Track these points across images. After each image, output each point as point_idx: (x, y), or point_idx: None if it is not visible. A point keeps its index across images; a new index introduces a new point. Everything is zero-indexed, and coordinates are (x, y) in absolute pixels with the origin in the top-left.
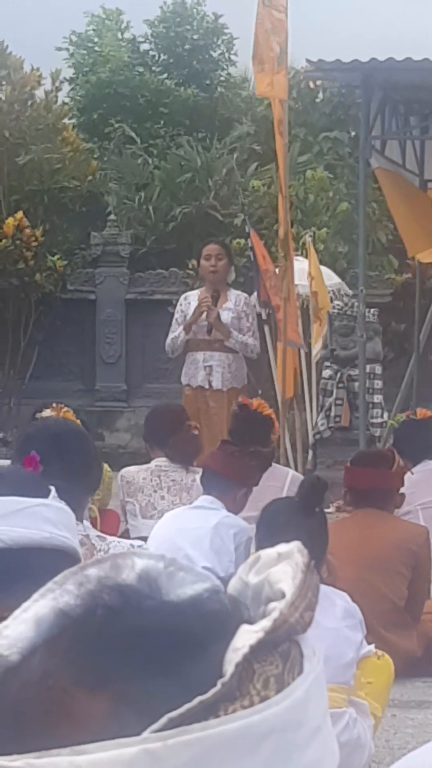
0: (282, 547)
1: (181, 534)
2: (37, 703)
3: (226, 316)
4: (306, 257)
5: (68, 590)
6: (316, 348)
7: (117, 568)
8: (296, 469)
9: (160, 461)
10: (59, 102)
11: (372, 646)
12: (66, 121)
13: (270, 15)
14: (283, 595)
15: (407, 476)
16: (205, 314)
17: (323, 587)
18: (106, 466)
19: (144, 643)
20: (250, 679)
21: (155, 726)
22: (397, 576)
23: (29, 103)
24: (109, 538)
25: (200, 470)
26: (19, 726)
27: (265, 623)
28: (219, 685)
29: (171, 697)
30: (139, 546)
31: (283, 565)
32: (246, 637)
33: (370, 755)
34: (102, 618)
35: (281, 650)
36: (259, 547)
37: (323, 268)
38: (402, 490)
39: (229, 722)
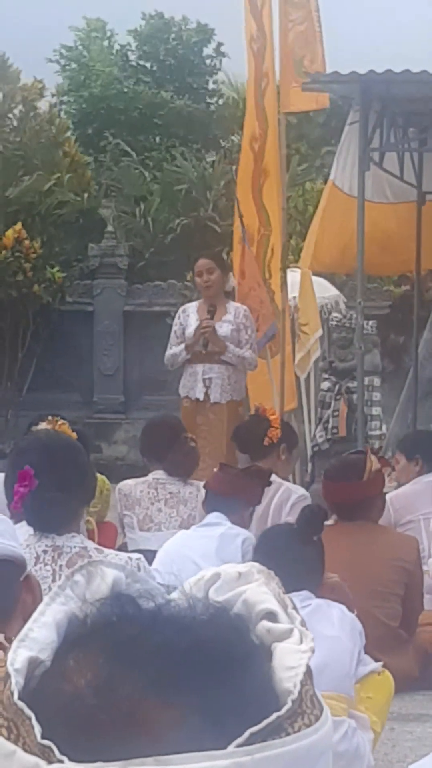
0: (241, 567)
1: (188, 545)
2: (107, 712)
3: (225, 329)
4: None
5: (85, 600)
6: (301, 368)
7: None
8: (294, 482)
9: (157, 474)
10: (62, 115)
11: (380, 663)
12: (68, 134)
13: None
14: (274, 615)
15: (410, 485)
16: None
17: (318, 600)
18: (104, 478)
19: (203, 656)
20: (302, 697)
21: (239, 740)
22: (391, 597)
23: (31, 114)
24: (107, 551)
25: (197, 482)
26: (89, 732)
27: (310, 644)
28: (290, 703)
29: (233, 710)
30: (137, 559)
31: (256, 586)
32: (296, 656)
33: None
34: (144, 631)
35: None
36: None
37: (321, 280)
38: (407, 498)
39: (301, 739)
